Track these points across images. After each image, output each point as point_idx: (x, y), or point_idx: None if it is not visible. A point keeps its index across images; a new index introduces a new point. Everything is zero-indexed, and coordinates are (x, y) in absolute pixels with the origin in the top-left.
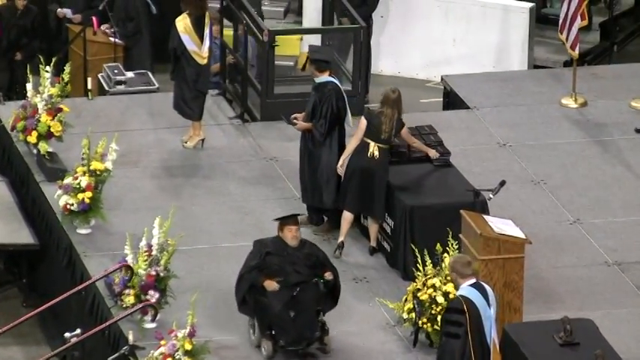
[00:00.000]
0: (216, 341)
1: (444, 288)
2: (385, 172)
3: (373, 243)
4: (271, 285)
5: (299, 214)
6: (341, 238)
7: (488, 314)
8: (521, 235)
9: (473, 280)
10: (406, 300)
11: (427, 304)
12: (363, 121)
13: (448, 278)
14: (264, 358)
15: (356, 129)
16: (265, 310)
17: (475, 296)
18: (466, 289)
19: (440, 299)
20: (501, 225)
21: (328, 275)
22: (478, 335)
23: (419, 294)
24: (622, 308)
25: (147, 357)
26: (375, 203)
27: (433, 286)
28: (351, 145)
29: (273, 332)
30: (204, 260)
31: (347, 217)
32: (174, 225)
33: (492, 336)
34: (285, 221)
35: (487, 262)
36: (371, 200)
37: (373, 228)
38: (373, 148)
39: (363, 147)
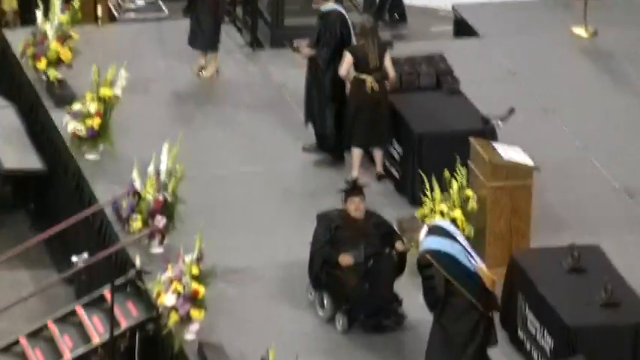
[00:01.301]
0: (222, 265)
1: (452, 214)
2: (386, 102)
3: (380, 169)
4: (346, 259)
5: (357, 186)
6: (355, 173)
7: (458, 248)
8: (530, 163)
9: (426, 227)
10: None
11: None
12: (348, 55)
13: (456, 204)
14: (340, 332)
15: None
16: (340, 285)
17: (436, 242)
18: (425, 241)
19: None
20: (510, 152)
21: (399, 245)
22: (457, 270)
23: (426, 219)
24: (630, 235)
25: (154, 281)
26: (381, 133)
27: (441, 211)
28: (342, 74)
29: (349, 306)
30: (212, 186)
31: (357, 152)
32: (183, 151)
33: (474, 263)
34: (349, 193)
35: (495, 189)
36: (377, 131)
37: (378, 154)
38: (370, 83)
39: (359, 84)
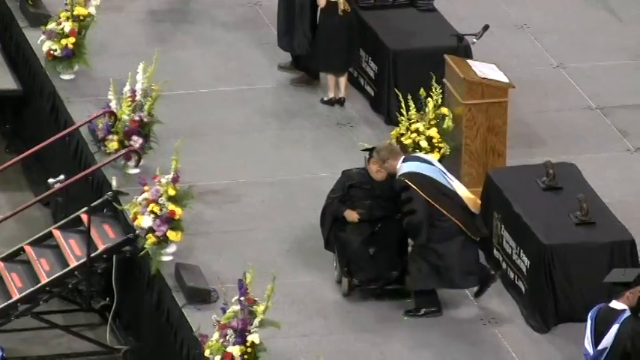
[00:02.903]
0: (200, 186)
1: (428, 132)
2: (357, 24)
3: (343, 94)
4: (351, 215)
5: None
6: (331, 94)
7: (435, 169)
8: (505, 80)
9: (402, 158)
10: None
11: (411, 148)
12: None
13: (432, 123)
14: (342, 294)
15: None
16: (344, 246)
17: (412, 166)
18: (400, 168)
19: (423, 144)
20: (485, 69)
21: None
22: (435, 191)
23: (402, 138)
24: (604, 152)
25: (130, 202)
26: (353, 55)
27: (417, 130)
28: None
29: (350, 269)
30: (188, 106)
31: (330, 77)
32: (159, 70)
33: (453, 184)
34: (371, 153)
35: (471, 107)
36: (350, 53)
37: (344, 79)
38: (343, 5)
39: (331, 7)
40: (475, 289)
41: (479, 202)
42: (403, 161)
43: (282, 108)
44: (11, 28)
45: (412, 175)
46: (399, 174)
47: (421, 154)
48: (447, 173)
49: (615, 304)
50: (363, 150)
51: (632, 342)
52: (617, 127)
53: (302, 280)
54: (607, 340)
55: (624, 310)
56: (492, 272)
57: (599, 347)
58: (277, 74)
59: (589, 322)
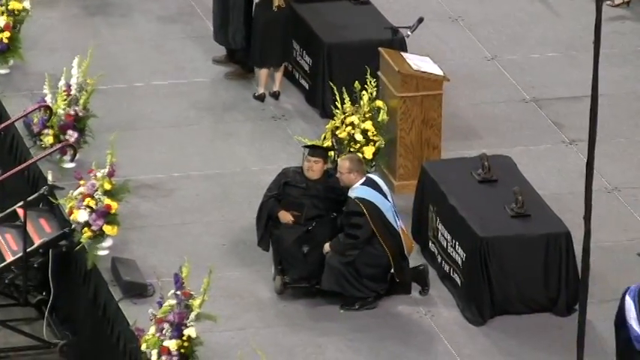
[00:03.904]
0: (135, 180)
1: (363, 125)
2: (291, 20)
3: (278, 87)
4: (285, 217)
5: (319, 146)
6: (261, 90)
7: (388, 206)
8: (439, 72)
9: (364, 178)
10: (325, 138)
11: (346, 141)
12: None
13: (367, 116)
14: (275, 292)
15: None
16: (278, 243)
17: (371, 194)
18: (359, 189)
19: (358, 137)
20: (419, 62)
21: (326, 247)
22: (385, 228)
23: (337, 132)
24: (539, 144)
25: (66, 197)
26: (289, 49)
27: (352, 123)
28: None
29: (283, 267)
30: (123, 100)
31: (264, 71)
32: (94, 64)
33: (399, 224)
34: (307, 152)
35: (405, 99)
36: (286, 47)
37: (279, 74)
38: (277, 1)
39: (266, 2)
40: (418, 289)
41: (414, 247)
42: (362, 183)
43: (217, 102)
44: None
45: (368, 204)
46: (355, 195)
47: (378, 180)
48: (395, 208)
49: None
50: (306, 147)
51: None
52: (552, 119)
53: (238, 274)
54: None
55: None
56: (421, 267)
57: None
58: (212, 68)
59: (631, 303)
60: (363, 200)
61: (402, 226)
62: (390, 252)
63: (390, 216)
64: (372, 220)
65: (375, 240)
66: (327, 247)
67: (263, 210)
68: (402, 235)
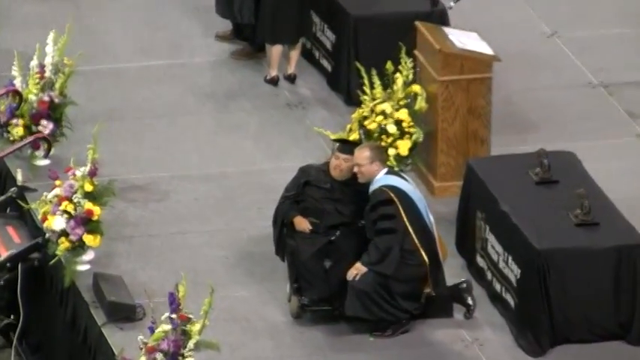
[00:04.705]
0: (122, 180)
1: (396, 115)
2: None
3: (293, 69)
4: (301, 224)
5: (353, 141)
6: (274, 72)
7: (418, 196)
8: (489, 51)
9: (386, 169)
10: (350, 130)
11: (376, 134)
12: None
13: (401, 103)
14: (291, 316)
15: None
16: (293, 257)
17: (398, 181)
18: (383, 178)
19: (391, 128)
20: (464, 39)
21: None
22: (417, 221)
23: (366, 122)
24: (609, 138)
25: (39, 200)
26: (306, 23)
27: (383, 112)
28: None
29: (300, 285)
30: (108, 84)
31: (276, 49)
32: (73, 41)
33: (431, 220)
34: (338, 146)
35: (448, 84)
36: (302, 21)
37: (295, 52)
38: None
39: None
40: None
41: (447, 252)
42: (387, 172)
43: (221, 87)
44: None
45: (397, 191)
46: (380, 184)
47: (403, 174)
48: (425, 203)
49: None
50: (335, 140)
51: None
52: (624, 107)
53: (245, 294)
54: None
55: None
56: (463, 283)
57: None
58: (214, 46)
59: None
60: (390, 187)
61: (434, 223)
62: (425, 257)
63: (421, 206)
64: (404, 211)
65: (408, 241)
66: (352, 272)
67: (278, 215)
68: (436, 237)
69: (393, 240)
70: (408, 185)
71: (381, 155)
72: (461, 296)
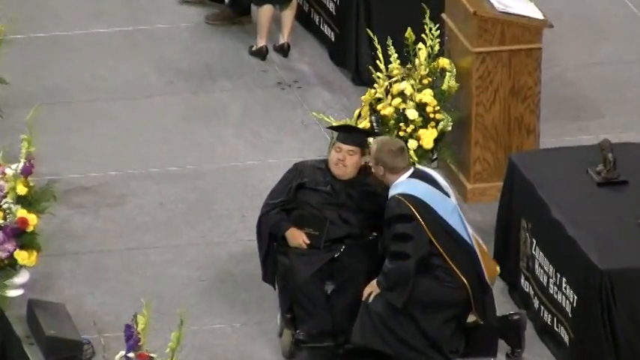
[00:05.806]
0: (66, 181)
1: (419, 97)
2: None
3: (286, 38)
4: (296, 238)
5: (355, 128)
6: (261, 42)
7: (451, 206)
8: (538, 15)
9: (410, 170)
10: (359, 116)
11: (392, 121)
12: None
13: (425, 82)
14: (283, 355)
15: None
16: (286, 279)
17: (421, 190)
18: (404, 183)
19: (412, 114)
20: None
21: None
22: (449, 239)
23: (379, 106)
24: None
25: None
26: None
27: (402, 93)
28: None
29: (294, 314)
30: (50, 55)
31: (266, 11)
32: (3, 3)
33: (470, 233)
34: (337, 135)
35: (485, 57)
36: None
37: (289, 16)
38: None
39: None
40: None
41: (498, 269)
42: (410, 176)
43: (193, 61)
44: None
45: (417, 202)
46: (398, 191)
47: (434, 174)
48: (460, 210)
49: None
50: (332, 128)
51: None
52: None
53: (224, 327)
54: None
55: None
56: (515, 315)
57: None
58: (185, 9)
59: None
60: (409, 197)
61: (475, 236)
62: (463, 278)
63: (455, 221)
64: (428, 227)
65: (437, 260)
66: (367, 290)
67: (262, 227)
68: (478, 251)
69: (404, 268)
70: (434, 193)
71: (388, 159)
72: (509, 332)
